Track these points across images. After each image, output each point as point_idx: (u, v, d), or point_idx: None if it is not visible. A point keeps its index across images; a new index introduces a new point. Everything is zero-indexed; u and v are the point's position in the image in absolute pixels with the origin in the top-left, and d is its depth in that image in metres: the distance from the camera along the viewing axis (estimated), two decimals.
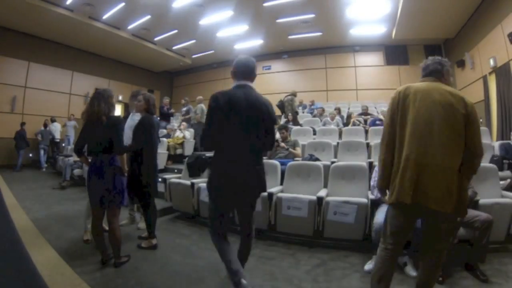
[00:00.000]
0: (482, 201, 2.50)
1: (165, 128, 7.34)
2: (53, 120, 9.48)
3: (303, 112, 9.18)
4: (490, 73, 6.84)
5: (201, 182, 3.57)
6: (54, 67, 10.12)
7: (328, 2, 7.94)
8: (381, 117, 6.29)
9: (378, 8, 8.08)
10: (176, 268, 2.45)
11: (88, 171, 2.44)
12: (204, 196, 3.54)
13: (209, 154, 5.10)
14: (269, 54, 12.29)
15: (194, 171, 3.66)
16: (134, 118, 3.27)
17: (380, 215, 2.44)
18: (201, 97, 7.74)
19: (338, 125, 6.52)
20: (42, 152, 8.60)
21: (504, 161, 3.61)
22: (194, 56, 12.61)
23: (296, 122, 7.01)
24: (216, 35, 10.14)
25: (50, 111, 9.72)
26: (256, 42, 10.90)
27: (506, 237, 2.57)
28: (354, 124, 6.35)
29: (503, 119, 6.23)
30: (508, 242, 2.61)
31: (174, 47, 11.58)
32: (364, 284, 2.15)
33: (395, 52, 10.75)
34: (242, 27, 9.50)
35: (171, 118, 8.64)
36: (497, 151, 4.02)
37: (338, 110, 7.39)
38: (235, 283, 1.78)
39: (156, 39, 10.63)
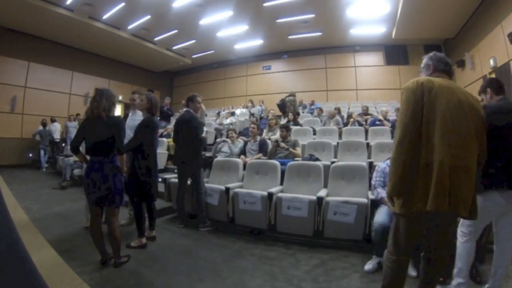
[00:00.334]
0: None
1: (165, 128, 7.35)
2: (53, 120, 9.48)
3: (303, 112, 9.19)
4: (490, 73, 6.84)
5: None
6: (54, 67, 10.11)
7: (328, 2, 7.94)
8: (381, 117, 6.29)
9: (378, 8, 8.08)
10: (176, 268, 2.45)
11: (86, 170, 2.39)
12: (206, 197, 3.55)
13: (209, 153, 5.11)
14: (269, 54, 12.30)
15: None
16: (135, 118, 3.29)
17: (379, 215, 2.44)
18: (200, 97, 7.72)
19: (338, 124, 6.52)
20: (42, 152, 8.58)
21: None
22: (194, 56, 12.61)
23: (296, 122, 7.01)
24: (216, 35, 10.14)
25: (50, 111, 9.72)
26: (256, 42, 10.90)
27: None
28: (353, 124, 6.34)
29: None
30: None
31: (174, 47, 11.58)
32: (364, 284, 2.15)
33: (395, 52, 10.75)
34: (242, 27, 9.50)
35: (171, 118, 8.64)
36: None
37: (338, 110, 7.39)
38: None
39: (156, 39, 10.64)
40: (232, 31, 9.79)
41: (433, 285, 1.63)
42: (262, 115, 9.54)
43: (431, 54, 1.74)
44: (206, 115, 9.45)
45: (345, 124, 6.67)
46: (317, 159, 3.84)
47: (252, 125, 4.90)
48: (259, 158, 4.26)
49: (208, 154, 5.12)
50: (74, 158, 5.83)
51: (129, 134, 3.46)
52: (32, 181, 6.55)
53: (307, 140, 5.13)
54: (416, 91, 1.48)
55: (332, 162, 3.64)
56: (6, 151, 8.81)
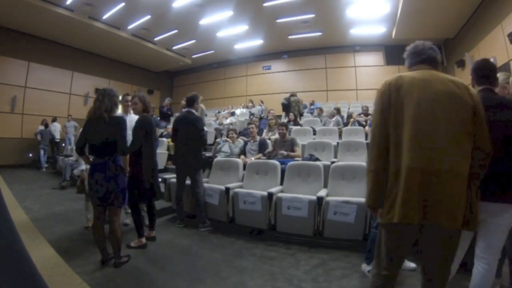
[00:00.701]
0: None
1: (165, 128, 7.35)
2: (53, 120, 9.48)
3: (304, 112, 9.19)
4: None
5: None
6: (54, 67, 10.12)
7: (328, 2, 7.94)
8: None
9: (378, 8, 8.08)
10: (176, 268, 2.45)
11: (90, 170, 2.42)
12: (206, 196, 3.55)
13: (209, 153, 5.11)
14: (269, 54, 12.30)
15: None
16: (131, 119, 3.30)
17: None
18: (200, 97, 7.73)
19: (338, 124, 6.52)
20: (42, 152, 8.59)
21: None
22: (194, 56, 12.61)
23: (296, 122, 7.02)
24: (216, 35, 10.14)
25: (50, 111, 9.72)
26: (256, 42, 10.90)
27: None
28: (353, 124, 6.34)
29: None
30: None
31: (174, 47, 11.58)
32: (364, 284, 2.14)
33: (395, 52, 10.73)
34: (242, 27, 9.50)
35: (171, 118, 8.65)
36: None
37: (338, 110, 7.40)
38: None
39: (156, 39, 10.64)
40: (232, 31, 9.79)
41: None
42: (262, 115, 9.54)
43: (408, 47, 1.57)
44: (206, 115, 9.47)
45: (345, 124, 6.67)
46: (317, 159, 3.84)
47: (251, 125, 4.89)
48: (259, 158, 4.26)
49: (208, 154, 5.12)
50: (74, 158, 5.83)
51: (129, 134, 3.47)
52: (32, 181, 6.55)
53: (307, 140, 5.13)
54: (383, 93, 1.37)
55: (332, 162, 3.64)
56: (6, 151, 8.81)
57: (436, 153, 1.24)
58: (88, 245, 2.83)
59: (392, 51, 10.78)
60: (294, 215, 2.92)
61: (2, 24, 8.59)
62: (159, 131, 6.72)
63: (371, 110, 7.97)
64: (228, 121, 8.31)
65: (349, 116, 7.12)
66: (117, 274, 2.31)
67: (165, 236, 3.25)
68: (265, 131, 6.14)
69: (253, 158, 4.28)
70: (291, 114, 7.22)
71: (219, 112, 10.47)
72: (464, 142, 1.27)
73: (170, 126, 7.45)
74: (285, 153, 4.08)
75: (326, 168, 3.41)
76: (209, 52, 12.03)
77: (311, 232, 2.91)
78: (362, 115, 7.27)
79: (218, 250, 2.86)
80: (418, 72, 1.40)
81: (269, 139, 5.16)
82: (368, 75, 11.20)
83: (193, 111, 3.66)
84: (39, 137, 8.71)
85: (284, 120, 7.43)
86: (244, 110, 10.04)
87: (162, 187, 4.23)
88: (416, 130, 1.27)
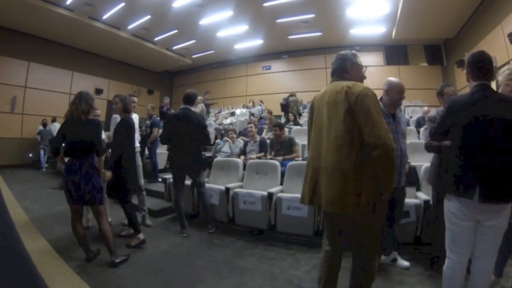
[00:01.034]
0: None
1: None
2: (53, 120, 9.48)
3: (303, 112, 9.19)
4: None
5: None
6: (54, 67, 10.10)
7: (328, 2, 7.93)
8: None
9: (378, 8, 8.07)
10: (176, 268, 2.45)
11: (65, 171, 2.47)
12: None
13: (209, 153, 5.11)
14: (269, 54, 12.29)
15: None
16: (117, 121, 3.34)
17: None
18: (200, 97, 7.74)
19: None
20: (42, 152, 8.59)
21: None
22: (194, 56, 12.60)
23: (296, 122, 7.02)
24: (216, 35, 10.13)
25: (50, 111, 9.70)
26: (256, 42, 10.90)
27: None
28: None
29: None
30: None
31: (174, 47, 11.57)
32: None
33: (395, 52, 10.74)
34: (242, 27, 9.50)
35: None
36: None
37: None
38: None
39: (156, 39, 10.63)
40: (232, 31, 9.78)
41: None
42: (262, 115, 9.55)
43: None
44: (209, 112, 9.48)
45: None
46: None
47: (250, 125, 4.88)
48: (260, 158, 4.25)
49: (208, 154, 5.12)
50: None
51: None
52: (32, 181, 6.55)
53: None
54: (309, 106, 1.80)
55: None
56: (6, 151, 8.80)
57: (323, 153, 1.58)
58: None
59: (392, 51, 10.78)
60: (294, 215, 2.92)
61: (2, 24, 8.58)
62: (158, 131, 6.71)
63: None
64: (228, 121, 8.31)
65: None
66: (117, 274, 2.31)
67: (165, 236, 3.25)
68: (264, 131, 6.15)
69: (254, 156, 4.26)
70: (290, 114, 7.22)
71: (219, 112, 10.47)
72: (344, 142, 1.50)
73: None
74: (280, 158, 3.94)
75: None
76: (209, 52, 12.02)
77: (311, 232, 2.92)
78: None
79: (218, 250, 2.87)
80: (326, 87, 1.70)
81: (269, 139, 5.15)
82: (368, 75, 10.57)
83: (191, 108, 3.44)
84: (38, 137, 8.72)
85: (282, 120, 7.44)
86: (244, 110, 10.04)
87: (162, 187, 4.24)
88: (313, 135, 1.69)
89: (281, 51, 12.02)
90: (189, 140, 3.27)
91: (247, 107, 10.41)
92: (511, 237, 1.71)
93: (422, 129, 4.74)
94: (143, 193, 3.64)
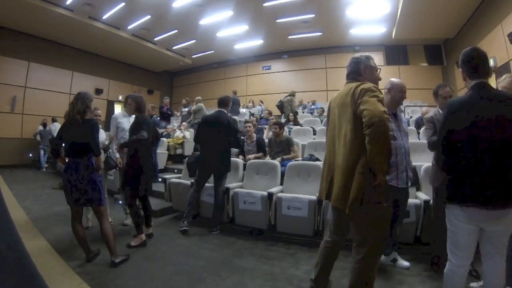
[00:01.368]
0: None
1: (165, 128, 7.35)
2: (54, 120, 9.47)
3: (303, 112, 9.19)
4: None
5: None
6: (54, 67, 10.11)
7: (328, 2, 7.94)
8: None
9: (378, 8, 8.08)
10: (176, 268, 2.45)
11: (64, 172, 2.49)
12: (205, 196, 3.54)
13: None
14: (269, 54, 12.29)
15: (194, 171, 3.65)
16: (131, 120, 3.39)
17: None
18: (199, 97, 7.75)
19: None
20: (42, 152, 8.58)
21: None
22: (194, 56, 12.60)
23: (296, 122, 7.02)
24: (216, 35, 10.13)
25: (50, 111, 9.70)
26: (256, 42, 10.90)
27: None
28: None
29: None
30: None
31: (174, 47, 11.57)
32: None
33: (395, 52, 10.74)
34: (242, 27, 9.50)
35: (171, 118, 8.65)
36: None
37: None
38: None
39: (156, 39, 10.63)
40: (232, 31, 9.78)
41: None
42: (262, 115, 9.55)
43: None
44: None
45: None
46: (317, 159, 3.84)
47: (248, 124, 4.87)
48: (259, 158, 4.25)
49: None
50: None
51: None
52: (32, 181, 6.55)
53: (307, 140, 5.12)
54: (328, 108, 1.93)
55: None
56: (6, 151, 8.80)
57: (336, 152, 1.69)
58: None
59: (392, 51, 10.79)
60: (294, 215, 2.92)
61: (2, 24, 8.58)
62: (159, 131, 6.72)
63: None
64: None
65: None
66: (117, 274, 2.31)
67: (165, 236, 3.25)
68: (265, 131, 6.16)
69: (252, 157, 4.26)
70: (290, 114, 7.24)
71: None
72: (351, 141, 1.59)
73: (170, 126, 7.47)
74: (278, 159, 3.92)
75: None
76: (209, 52, 12.02)
77: (311, 232, 2.92)
78: None
79: (218, 250, 2.87)
80: (341, 89, 1.80)
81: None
82: None
83: (225, 111, 3.54)
84: (38, 137, 8.71)
85: (282, 120, 7.44)
86: (244, 110, 10.04)
87: (162, 187, 4.24)
88: (329, 135, 1.83)
89: (281, 51, 12.03)
90: (219, 142, 3.37)
91: (247, 107, 10.40)
92: None
93: (422, 130, 4.76)
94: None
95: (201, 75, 14.12)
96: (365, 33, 9.66)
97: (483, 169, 1.40)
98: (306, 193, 3.04)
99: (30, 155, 9.19)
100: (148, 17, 8.82)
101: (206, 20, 8.98)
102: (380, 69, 1.88)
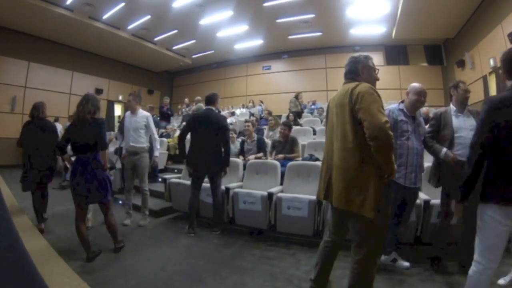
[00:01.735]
0: None
1: (165, 128, 7.35)
2: (55, 120, 9.46)
3: (303, 112, 9.18)
4: (490, 73, 6.83)
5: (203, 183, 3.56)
6: (54, 67, 10.09)
7: (328, 2, 7.93)
8: None
9: (378, 8, 8.07)
10: (176, 268, 2.45)
11: (72, 169, 2.61)
12: (205, 196, 3.54)
13: None
14: (269, 54, 12.28)
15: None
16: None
17: None
18: (199, 97, 7.76)
19: None
20: None
21: None
22: (194, 56, 12.60)
23: (296, 122, 7.03)
24: (216, 35, 10.13)
25: (50, 111, 9.59)
26: (256, 42, 10.89)
27: None
28: None
29: None
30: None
31: (174, 47, 11.57)
32: None
33: (395, 52, 10.74)
34: (242, 27, 9.49)
35: (171, 118, 8.65)
36: None
37: None
38: None
39: (156, 39, 10.62)
40: (232, 31, 9.77)
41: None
42: (262, 115, 9.55)
43: None
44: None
45: None
46: (317, 159, 3.84)
47: (247, 123, 4.86)
48: (259, 158, 4.24)
49: None
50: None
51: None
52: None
53: (307, 140, 5.13)
54: (326, 108, 1.94)
55: None
56: (6, 151, 8.80)
57: (334, 152, 1.69)
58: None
59: (392, 51, 10.78)
60: (294, 215, 2.92)
61: (2, 24, 8.57)
62: (159, 131, 6.72)
63: None
64: (228, 121, 8.30)
65: None
66: (117, 274, 2.31)
67: (165, 236, 3.25)
68: (265, 131, 6.15)
69: (251, 157, 4.26)
70: (290, 114, 7.26)
71: (219, 112, 10.46)
72: (350, 141, 1.58)
73: (170, 126, 7.47)
74: (281, 156, 3.98)
75: None
76: (209, 52, 12.02)
77: (311, 232, 2.92)
78: None
79: (218, 250, 2.87)
80: (340, 89, 1.78)
81: (269, 138, 5.15)
82: None
83: (213, 108, 3.49)
84: None
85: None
86: (244, 110, 10.03)
87: (162, 187, 4.23)
88: (327, 135, 1.82)
89: (281, 51, 12.02)
90: (211, 140, 3.33)
91: (247, 107, 10.40)
92: None
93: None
94: (147, 194, 3.67)
95: (201, 75, 14.11)
96: (365, 33, 9.65)
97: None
98: (306, 193, 3.04)
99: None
100: (148, 17, 8.81)
101: (206, 20, 8.97)
102: (378, 69, 1.87)
